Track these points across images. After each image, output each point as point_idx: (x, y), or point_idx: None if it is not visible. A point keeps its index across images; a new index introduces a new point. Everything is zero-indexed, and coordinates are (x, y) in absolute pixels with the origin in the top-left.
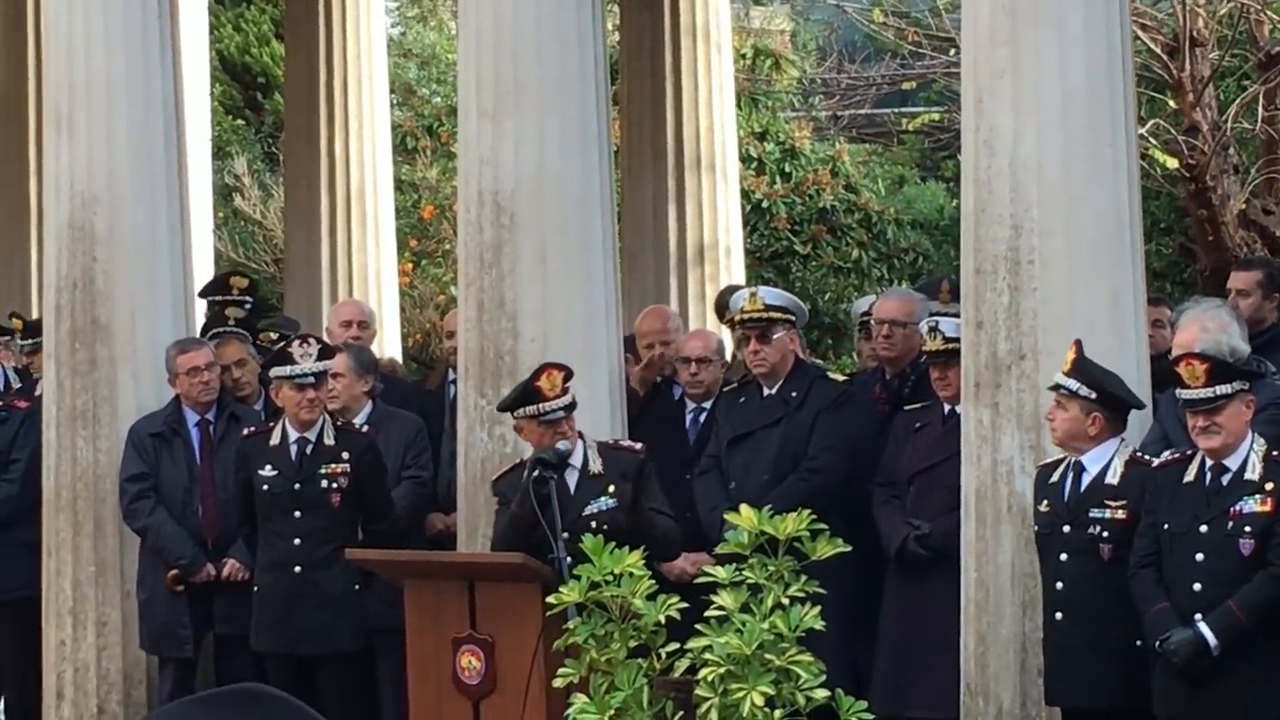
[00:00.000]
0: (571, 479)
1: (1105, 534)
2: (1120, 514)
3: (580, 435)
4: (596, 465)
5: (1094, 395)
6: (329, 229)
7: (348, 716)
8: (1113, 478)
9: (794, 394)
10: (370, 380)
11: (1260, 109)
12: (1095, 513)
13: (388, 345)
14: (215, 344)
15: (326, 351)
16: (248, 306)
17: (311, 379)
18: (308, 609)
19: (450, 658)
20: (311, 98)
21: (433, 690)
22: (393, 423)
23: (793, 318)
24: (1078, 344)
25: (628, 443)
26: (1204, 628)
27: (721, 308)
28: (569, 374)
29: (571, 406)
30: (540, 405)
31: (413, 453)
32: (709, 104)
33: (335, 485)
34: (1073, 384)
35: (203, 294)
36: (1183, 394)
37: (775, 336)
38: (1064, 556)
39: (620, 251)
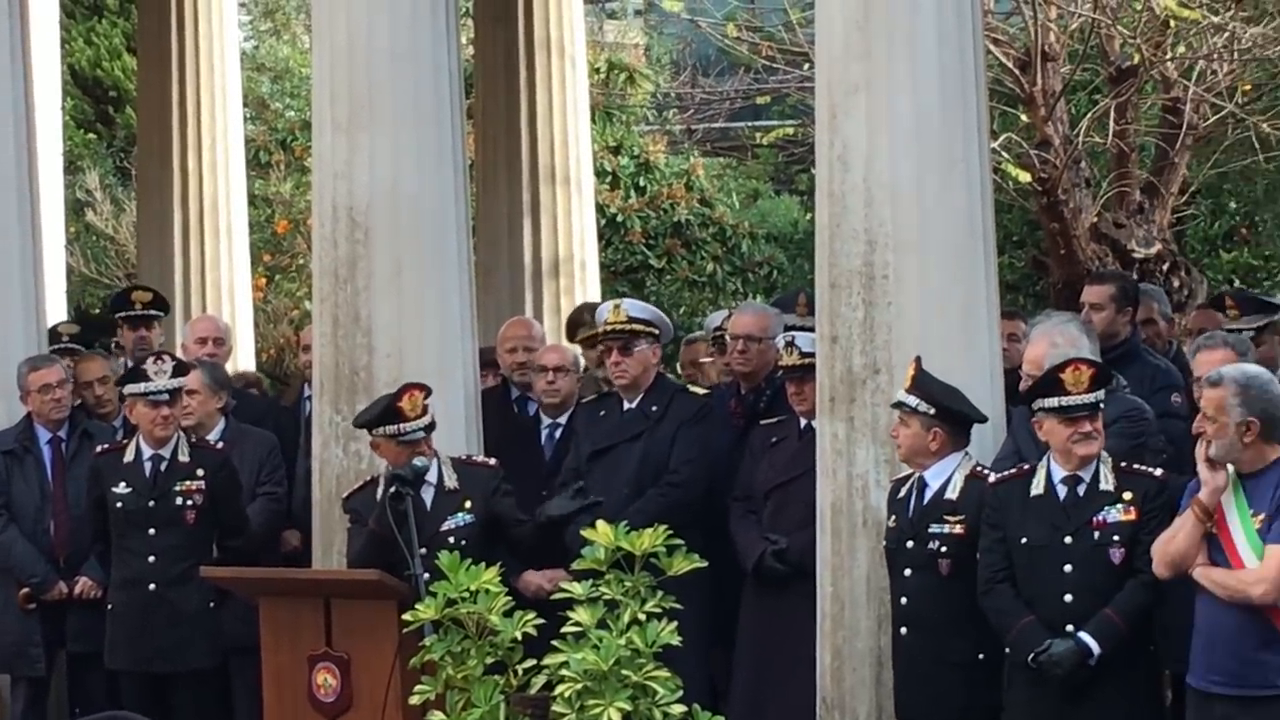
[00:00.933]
0: (428, 495)
1: (944, 549)
2: (958, 529)
3: (435, 452)
4: (452, 481)
5: (933, 411)
6: (182, 244)
7: None
8: (952, 493)
9: (654, 408)
10: (224, 397)
11: (1111, 123)
12: (935, 528)
13: (241, 361)
14: (76, 361)
15: (181, 369)
16: (158, 318)
17: (166, 396)
18: (162, 626)
19: (306, 675)
20: (164, 112)
21: (289, 708)
22: (247, 439)
23: (656, 331)
24: (917, 361)
25: (482, 458)
26: (1086, 637)
27: (574, 325)
28: (428, 393)
29: (431, 427)
30: (401, 425)
31: (267, 469)
32: (563, 118)
33: (190, 502)
34: (912, 400)
35: (111, 311)
36: (1064, 401)
37: (637, 349)
38: (908, 572)
39: (475, 266)
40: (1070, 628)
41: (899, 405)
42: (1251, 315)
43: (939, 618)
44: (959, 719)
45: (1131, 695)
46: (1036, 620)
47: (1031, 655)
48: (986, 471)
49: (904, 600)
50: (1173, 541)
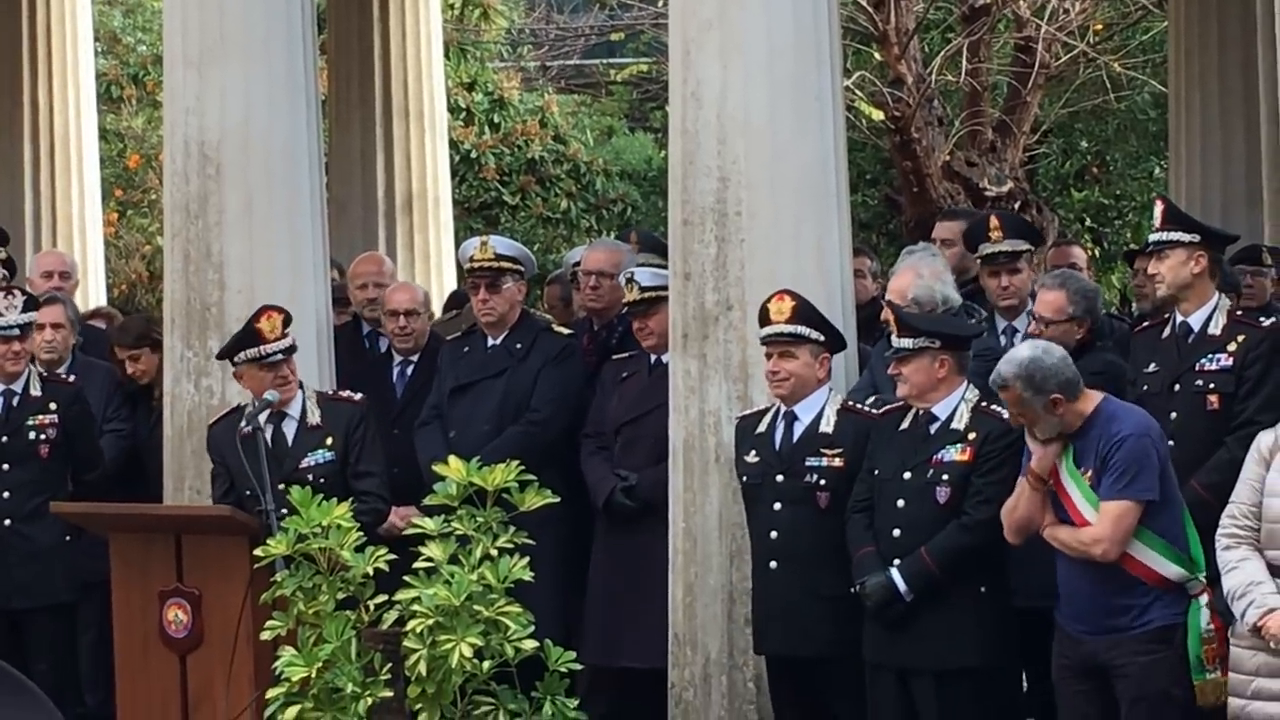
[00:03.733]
0: (289, 429)
1: (822, 482)
2: (837, 461)
3: (300, 385)
4: (315, 417)
5: (823, 337)
6: (32, 179)
7: (57, 668)
8: (826, 426)
9: (519, 345)
10: (75, 331)
11: (964, 61)
12: (811, 461)
13: (92, 296)
14: None
15: (32, 303)
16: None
17: (16, 331)
18: (19, 562)
19: (157, 611)
20: (14, 46)
21: (138, 643)
22: (93, 374)
23: (522, 268)
24: (793, 295)
25: (347, 393)
26: (895, 573)
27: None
28: (288, 318)
29: (291, 349)
30: (261, 348)
31: (114, 405)
32: (417, 54)
33: (43, 437)
34: (802, 329)
35: None
36: (892, 341)
37: (505, 286)
38: (777, 505)
39: (328, 201)
40: (898, 562)
41: (783, 338)
42: (1015, 239)
43: (812, 551)
44: (827, 652)
45: (952, 632)
46: (874, 552)
47: (854, 586)
48: (860, 406)
49: (774, 534)
50: (1015, 509)
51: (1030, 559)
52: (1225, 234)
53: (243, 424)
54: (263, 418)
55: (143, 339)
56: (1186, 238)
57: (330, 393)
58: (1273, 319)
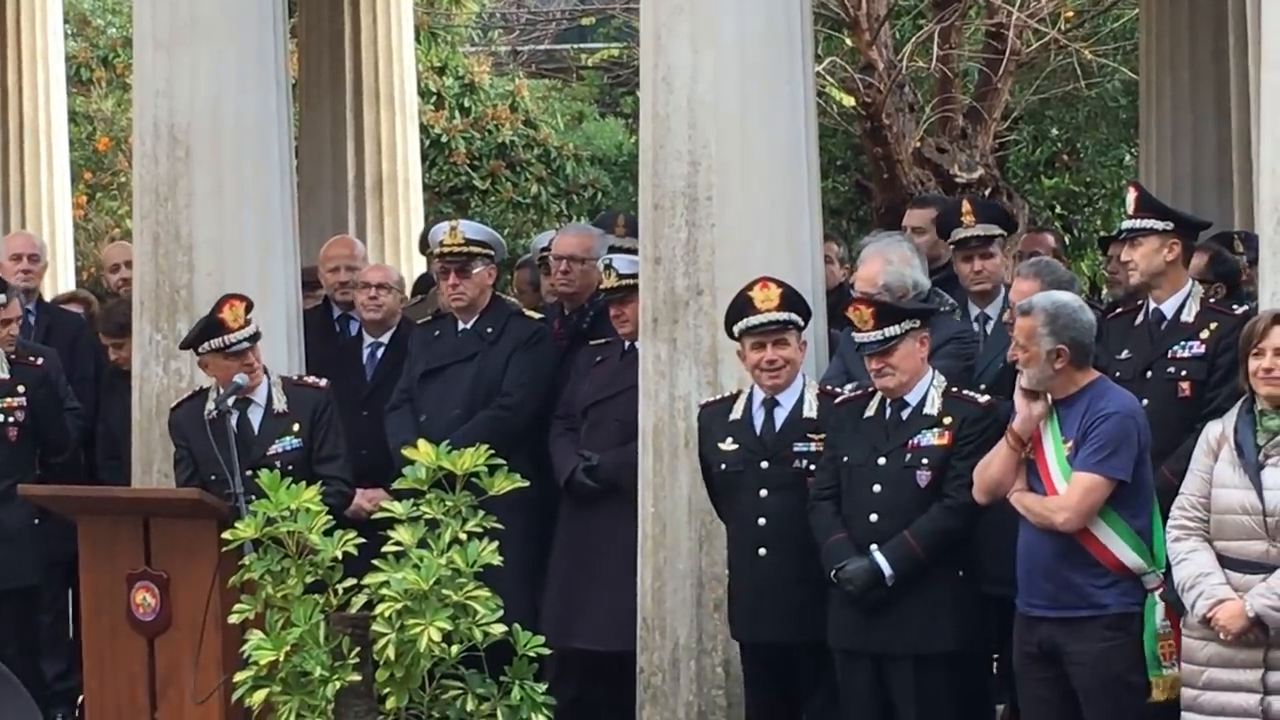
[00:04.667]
0: (255, 416)
1: (811, 467)
2: (822, 446)
3: (265, 371)
4: (281, 403)
5: (1171, 225)
6: (1, 162)
7: (24, 650)
8: (810, 411)
9: (489, 329)
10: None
11: (935, 48)
12: (800, 446)
13: (61, 279)
14: None
15: (1, 286)
16: None
17: None
18: None
19: (124, 594)
20: None
21: (106, 626)
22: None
23: (491, 253)
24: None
25: (312, 379)
26: (879, 557)
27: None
28: (250, 305)
29: (255, 337)
30: (225, 338)
31: (62, 387)
32: (387, 37)
33: (12, 419)
34: (796, 317)
35: None
36: (856, 337)
37: (474, 271)
38: (764, 492)
39: (298, 185)
40: (874, 547)
41: (779, 324)
42: (987, 224)
43: (805, 537)
44: (820, 637)
45: (932, 616)
46: (847, 538)
47: (833, 572)
48: (835, 390)
49: (762, 521)
50: (989, 467)
51: (1005, 546)
52: (1198, 221)
53: (210, 408)
54: (231, 402)
55: (126, 328)
56: (1160, 225)
57: (295, 378)
58: (1245, 307)
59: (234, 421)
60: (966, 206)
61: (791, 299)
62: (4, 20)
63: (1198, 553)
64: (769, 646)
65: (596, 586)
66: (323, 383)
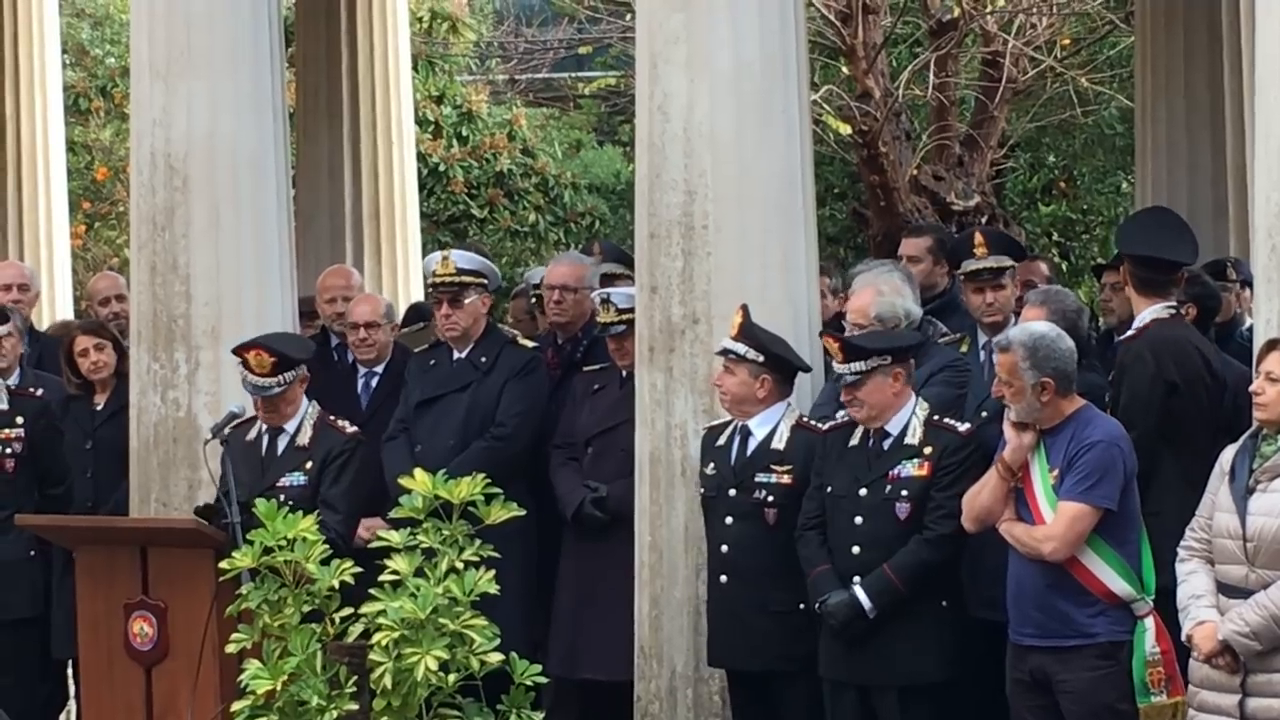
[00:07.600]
0: (281, 444)
1: (770, 498)
2: (785, 479)
3: (311, 403)
4: (305, 438)
5: (762, 358)
6: None
7: (20, 681)
8: (779, 443)
9: (484, 359)
10: (25, 342)
11: (931, 76)
12: (761, 477)
13: (59, 309)
14: None
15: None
16: None
17: None
18: None
19: (122, 623)
20: None
21: (104, 656)
22: (45, 387)
23: (485, 281)
24: (744, 309)
25: (342, 423)
26: (859, 591)
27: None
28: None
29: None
30: (248, 376)
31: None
32: (385, 67)
33: (10, 450)
34: (740, 348)
35: None
36: (835, 367)
37: (467, 301)
38: (729, 520)
39: (295, 214)
40: (856, 580)
41: (725, 353)
42: (999, 255)
43: (761, 567)
44: (777, 666)
45: (916, 648)
46: (830, 570)
47: (817, 604)
48: (812, 422)
49: (724, 548)
50: (978, 497)
51: (995, 570)
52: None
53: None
54: (226, 430)
55: (103, 329)
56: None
57: (331, 419)
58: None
59: (263, 444)
60: (979, 239)
61: (749, 331)
62: (2, 50)
63: (1196, 575)
64: (744, 674)
65: (606, 616)
66: (350, 429)
